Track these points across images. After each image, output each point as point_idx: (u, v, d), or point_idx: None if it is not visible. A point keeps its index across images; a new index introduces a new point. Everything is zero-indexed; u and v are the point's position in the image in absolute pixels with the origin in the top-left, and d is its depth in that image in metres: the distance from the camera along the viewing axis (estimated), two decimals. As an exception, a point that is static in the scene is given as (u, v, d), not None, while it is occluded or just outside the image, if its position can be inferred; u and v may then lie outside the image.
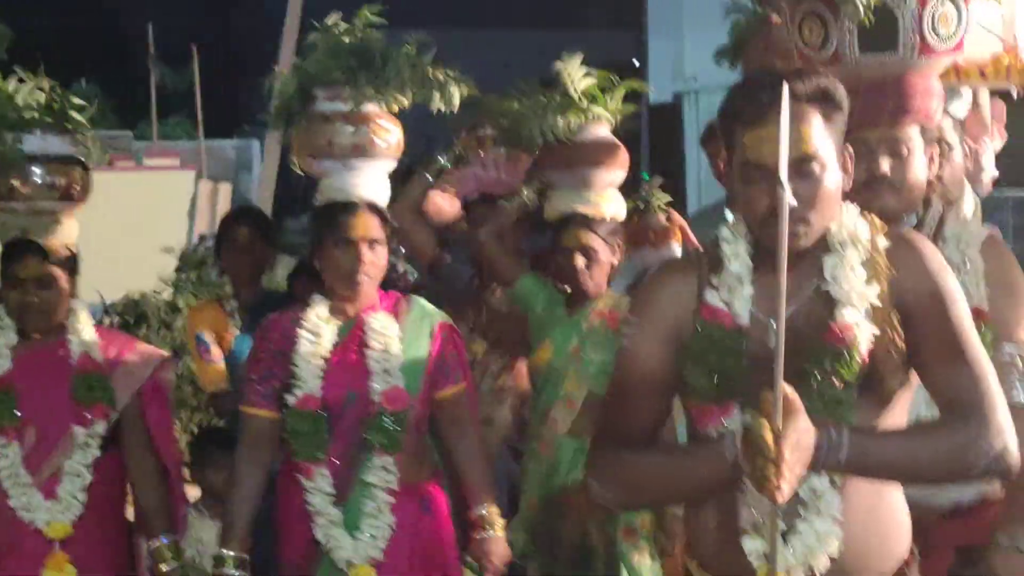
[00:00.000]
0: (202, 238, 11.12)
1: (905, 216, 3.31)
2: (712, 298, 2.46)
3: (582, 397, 4.27)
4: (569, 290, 4.35)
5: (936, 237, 3.32)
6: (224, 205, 13.99)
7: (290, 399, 3.54)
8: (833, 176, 2.40)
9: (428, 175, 4.43)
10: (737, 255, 2.47)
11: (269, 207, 12.88)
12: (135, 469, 3.86)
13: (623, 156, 4.44)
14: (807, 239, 2.39)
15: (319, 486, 3.52)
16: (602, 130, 4.42)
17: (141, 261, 10.00)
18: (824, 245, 2.44)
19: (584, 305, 4.34)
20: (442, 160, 4.48)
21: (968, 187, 3.94)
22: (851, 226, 2.45)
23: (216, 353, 4.68)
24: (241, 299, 4.79)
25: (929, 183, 3.36)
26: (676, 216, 5.31)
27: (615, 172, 4.44)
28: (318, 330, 3.59)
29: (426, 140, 4.36)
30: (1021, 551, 3.22)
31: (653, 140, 29.08)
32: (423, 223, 4.65)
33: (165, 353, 4.09)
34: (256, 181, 15.61)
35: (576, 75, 4.30)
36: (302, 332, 3.59)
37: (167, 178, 13.90)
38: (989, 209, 3.92)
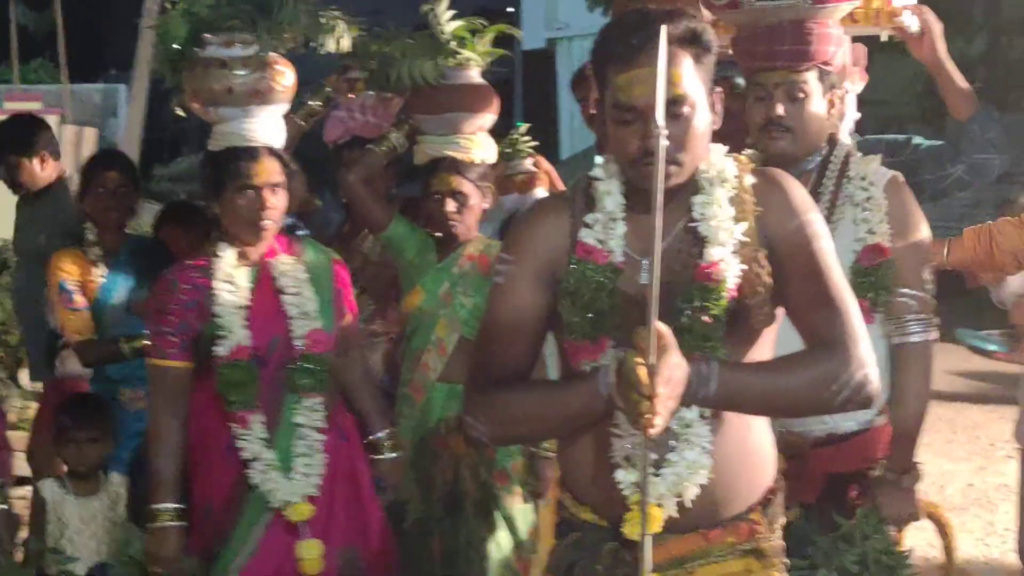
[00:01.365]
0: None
1: (804, 158, 3.38)
2: (586, 236, 2.49)
3: (453, 342, 4.27)
4: (440, 235, 4.34)
5: (841, 175, 3.40)
6: (89, 150, 13.60)
7: (219, 351, 3.52)
8: (703, 117, 2.43)
9: (297, 118, 4.37)
10: (610, 194, 2.50)
11: (136, 153, 12.63)
12: None
13: (494, 100, 4.42)
14: (678, 178, 2.43)
15: (254, 432, 3.53)
16: (472, 74, 4.38)
17: (3, 207, 9.71)
18: (693, 185, 2.48)
19: (454, 250, 4.34)
20: (312, 103, 4.41)
21: (844, 133, 4.05)
22: (719, 165, 2.49)
23: (80, 301, 4.58)
24: (106, 245, 4.69)
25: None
26: (543, 162, 5.34)
27: (485, 116, 4.41)
28: (231, 278, 3.58)
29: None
30: (900, 488, 3.36)
31: (526, 86, 29.17)
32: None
33: None
34: (123, 126, 15.30)
35: (444, 17, 4.27)
36: (217, 282, 3.56)
37: (30, 122, 13.46)
38: (864, 152, 4.02)
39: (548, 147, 5.57)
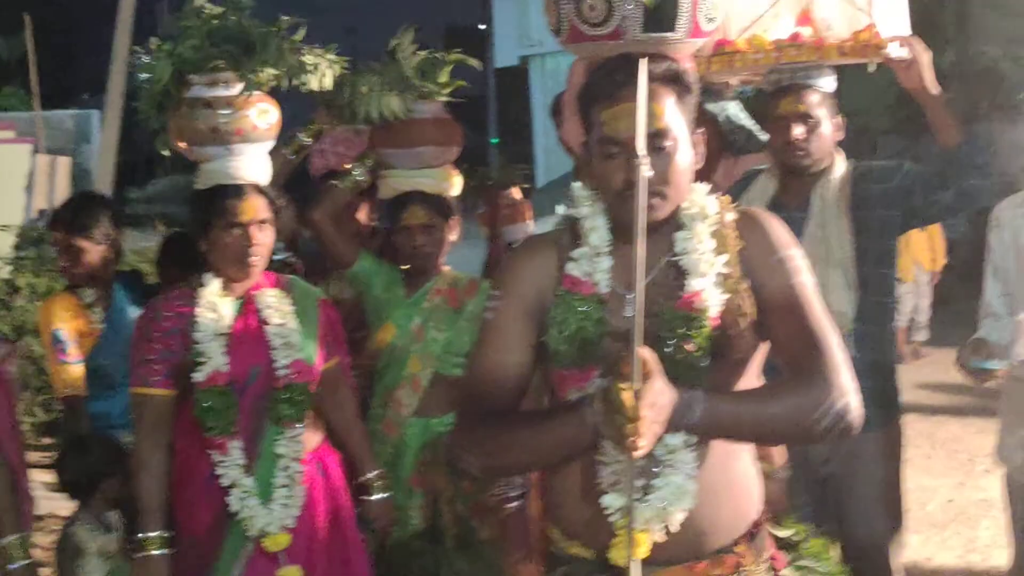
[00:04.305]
0: (41, 213, 10.79)
1: None
2: (573, 269, 2.55)
3: (427, 377, 4.27)
4: (408, 268, 4.33)
5: None
6: (63, 178, 13.61)
7: (197, 377, 3.54)
8: (685, 153, 2.51)
9: (287, 150, 4.37)
10: (596, 229, 2.57)
11: (110, 179, 12.58)
12: None
13: (458, 133, 4.43)
14: (661, 212, 2.49)
15: (233, 459, 3.55)
16: (436, 107, 4.39)
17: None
18: (676, 222, 2.55)
19: (423, 284, 4.33)
20: (300, 136, 4.40)
21: (841, 155, 4.11)
22: (701, 203, 2.57)
23: (73, 354, 4.47)
24: (97, 288, 4.55)
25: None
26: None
27: (451, 149, 4.43)
28: (216, 307, 3.60)
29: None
30: (770, 477, 3.36)
31: (500, 104, 29.24)
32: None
33: (8, 344, 3.94)
34: (96, 152, 15.24)
35: (409, 51, 4.27)
36: (200, 309, 3.59)
37: (2, 151, 13.39)
38: (859, 179, 4.10)
39: (523, 163, 5.59)
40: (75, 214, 4.54)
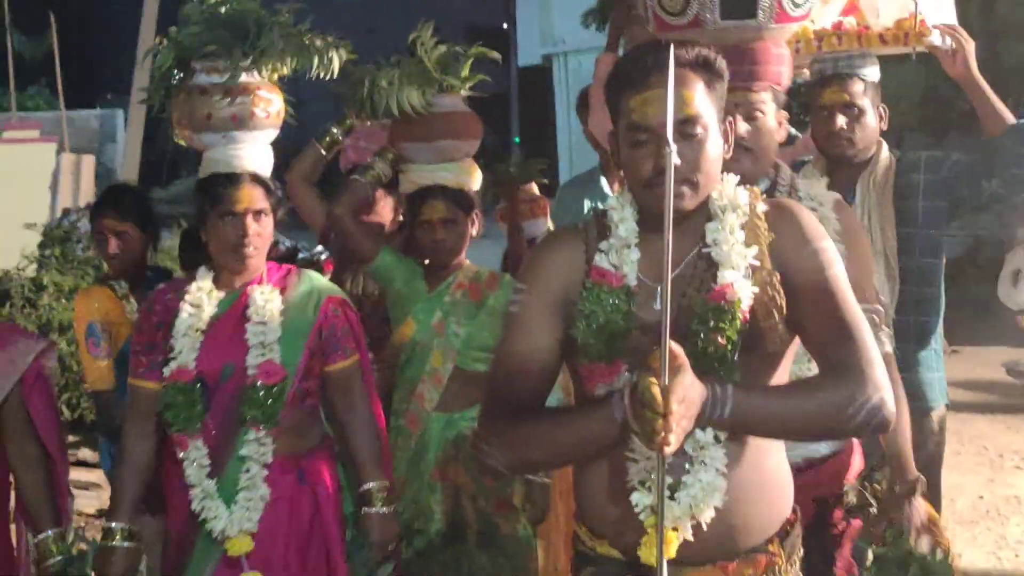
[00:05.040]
0: (66, 212, 10.82)
1: (759, 179, 3.39)
2: (601, 261, 2.51)
3: (448, 372, 4.24)
4: (428, 263, 4.31)
5: (791, 196, 3.41)
6: (88, 177, 13.64)
7: (165, 371, 3.51)
8: (715, 141, 2.47)
9: (320, 146, 4.34)
10: (624, 220, 2.53)
11: (135, 178, 12.63)
12: (18, 460, 3.69)
13: (477, 126, 4.39)
14: (691, 201, 2.45)
15: (194, 458, 3.49)
16: (457, 101, 4.36)
17: (2, 238, 9.70)
18: (706, 212, 2.51)
19: (444, 278, 4.30)
20: (335, 131, 4.38)
21: (885, 145, 4.08)
22: (731, 193, 2.51)
23: (104, 349, 4.44)
24: (129, 281, 4.58)
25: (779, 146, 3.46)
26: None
27: (470, 143, 4.39)
28: (198, 302, 3.56)
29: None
30: (914, 499, 3.33)
31: (523, 102, 29.20)
32: (312, 193, 4.52)
33: (47, 339, 3.93)
34: (121, 152, 15.28)
35: (429, 44, 4.24)
36: (183, 304, 3.55)
37: (27, 151, 13.43)
38: (906, 168, 4.06)
39: (547, 161, 5.56)
40: (118, 198, 4.60)
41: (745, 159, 3.32)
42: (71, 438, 7.57)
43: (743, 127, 3.30)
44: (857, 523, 3.38)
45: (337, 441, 3.81)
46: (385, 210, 4.84)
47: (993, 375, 9.98)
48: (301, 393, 3.62)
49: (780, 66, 3.36)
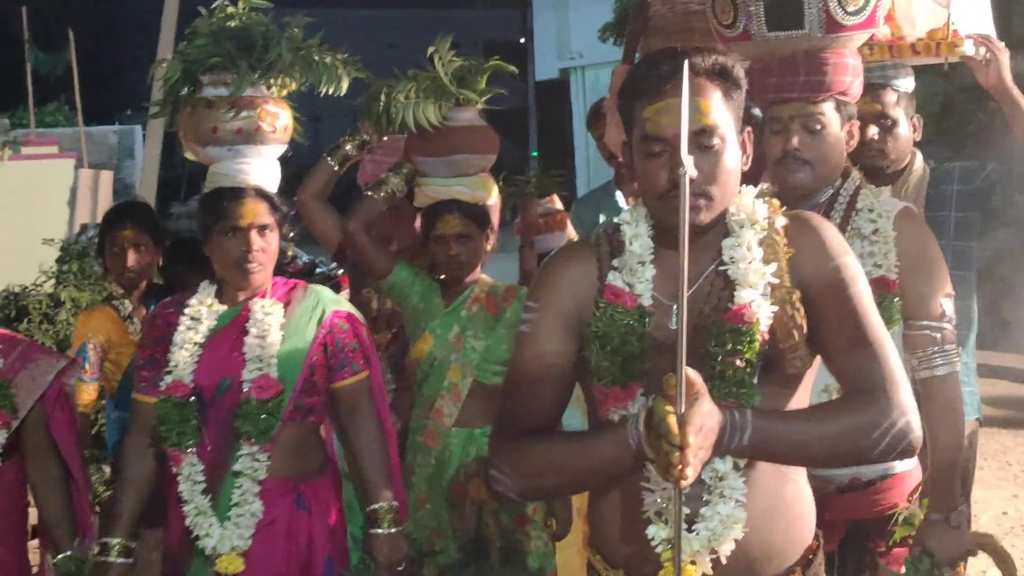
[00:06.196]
0: (84, 228, 10.85)
1: (820, 191, 3.35)
2: (615, 279, 2.43)
3: (467, 387, 4.20)
4: (444, 278, 4.28)
5: (850, 208, 3.36)
6: (106, 193, 13.69)
7: (161, 384, 3.47)
8: (732, 152, 2.38)
9: (332, 161, 4.33)
10: (638, 236, 2.44)
11: (153, 194, 12.67)
12: (38, 478, 3.66)
13: (494, 140, 4.36)
14: (708, 214, 2.37)
15: (188, 474, 3.44)
16: (473, 115, 4.32)
17: (21, 253, 9.73)
18: (723, 228, 2.42)
19: (460, 293, 4.27)
20: (347, 147, 4.36)
21: (919, 155, 4.04)
22: (748, 207, 2.42)
23: (90, 372, 4.45)
24: (134, 300, 4.58)
25: (849, 156, 3.42)
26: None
27: (487, 157, 4.36)
28: (198, 315, 3.53)
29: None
30: (950, 528, 3.24)
31: (540, 116, 29.20)
32: (326, 210, 4.50)
33: (68, 357, 3.92)
34: (139, 168, 15.33)
35: (447, 58, 4.22)
36: (182, 318, 3.52)
37: (46, 167, 13.48)
38: (939, 179, 4.02)
39: (564, 175, 5.52)
40: (136, 213, 4.66)
41: (802, 171, 3.29)
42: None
43: (796, 139, 3.27)
44: (901, 552, 3.30)
45: (347, 460, 3.75)
46: (413, 225, 4.81)
47: (1016, 390, 9.89)
48: (301, 409, 3.55)
49: (842, 75, 3.31)
